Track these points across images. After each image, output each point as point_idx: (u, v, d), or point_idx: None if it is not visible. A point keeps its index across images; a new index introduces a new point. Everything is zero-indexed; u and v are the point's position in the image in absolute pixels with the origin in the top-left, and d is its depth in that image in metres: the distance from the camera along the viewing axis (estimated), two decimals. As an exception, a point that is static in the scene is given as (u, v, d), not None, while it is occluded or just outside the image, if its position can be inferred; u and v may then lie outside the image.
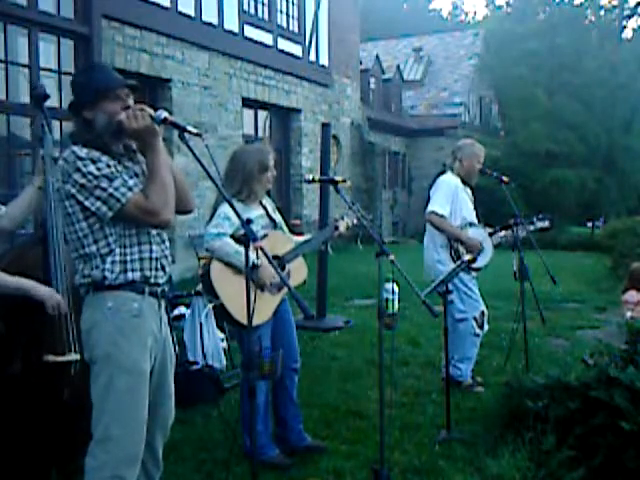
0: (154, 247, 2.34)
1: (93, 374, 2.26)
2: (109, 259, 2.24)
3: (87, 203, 2.19)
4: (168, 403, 2.46)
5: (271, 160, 3.47)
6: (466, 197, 4.64)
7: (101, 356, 2.23)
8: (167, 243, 2.44)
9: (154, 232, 2.35)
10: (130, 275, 2.26)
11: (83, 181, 2.17)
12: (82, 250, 2.26)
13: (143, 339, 2.28)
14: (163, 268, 2.38)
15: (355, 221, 3.64)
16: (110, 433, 2.20)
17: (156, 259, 2.34)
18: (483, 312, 4.59)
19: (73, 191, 2.19)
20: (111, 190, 2.18)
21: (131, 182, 2.24)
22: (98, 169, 2.18)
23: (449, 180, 4.62)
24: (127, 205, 2.19)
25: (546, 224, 4.82)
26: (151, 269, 2.31)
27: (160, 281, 2.35)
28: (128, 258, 2.26)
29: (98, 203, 2.18)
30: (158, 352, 2.37)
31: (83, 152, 2.20)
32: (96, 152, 2.22)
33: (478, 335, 4.59)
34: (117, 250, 2.25)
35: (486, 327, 4.66)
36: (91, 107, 2.27)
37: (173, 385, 2.48)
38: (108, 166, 2.21)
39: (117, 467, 2.20)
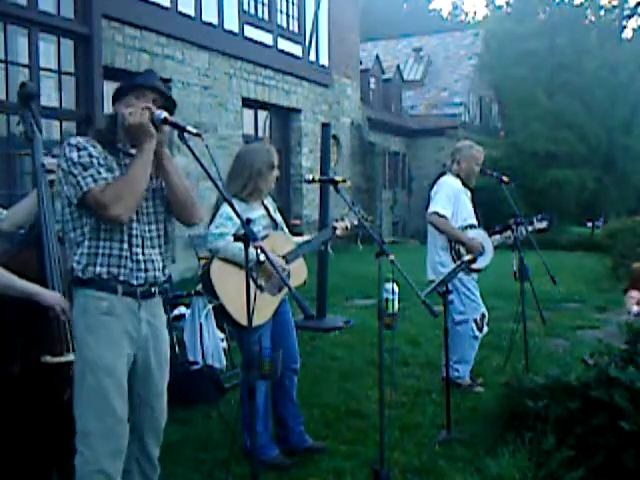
0: (127, 246, 2.31)
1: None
2: (79, 250, 2.29)
3: (65, 187, 2.27)
4: (158, 404, 2.45)
5: (276, 159, 3.49)
6: (466, 199, 4.64)
7: (76, 354, 2.31)
8: (163, 248, 2.43)
9: (147, 234, 2.34)
10: (97, 269, 2.28)
11: (64, 166, 2.26)
12: (66, 235, 2.36)
13: (113, 337, 2.28)
14: (146, 270, 2.35)
15: (355, 222, 3.63)
16: (88, 429, 2.25)
17: (134, 260, 2.32)
18: (484, 314, 4.59)
19: (60, 175, 2.29)
20: (79, 178, 2.23)
21: (105, 175, 2.26)
22: (79, 156, 2.25)
23: (451, 182, 4.62)
24: (86, 195, 2.23)
25: (544, 225, 4.82)
26: (120, 266, 2.30)
27: (134, 282, 2.32)
28: (99, 252, 2.29)
29: (70, 189, 2.26)
30: (138, 352, 2.36)
31: (76, 140, 2.28)
32: (92, 142, 2.29)
33: (477, 337, 4.59)
34: (86, 242, 2.29)
35: (485, 329, 4.65)
36: (120, 100, 2.37)
37: (164, 386, 2.47)
38: (91, 155, 2.25)
39: (100, 461, 2.24)
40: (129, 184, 2.25)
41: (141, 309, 2.36)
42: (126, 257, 2.31)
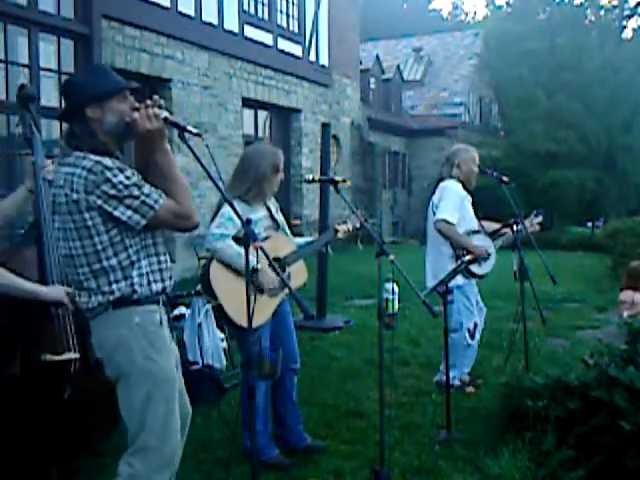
0: (167, 257, 2.37)
1: (125, 390, 2.24)
2: (135, 272, 2.21)
3: (116, 213, 2.13)
4: (184, 400, 2.49)
5: (282, 162, 3.48)
6: (469, 205, 4.63)
7: (136, 373, 2.20)
8: None
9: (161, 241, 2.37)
10: (154, 287, 2.26)
11: (113, 192, 2.11)
12: (98, 264, 2.18)
13: (169, 348, 2.32)
14: (170, 277, 2.39)
15: (358, 225, 3.62)
16: (148, 444, 2.21)
17: (169, 269, 2.36)
18: (476, 324, 4.59)
19: (99, 202, 2.11)
20: (143, 197, 2.14)
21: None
22: (127, 178, 2.13)
23: (456, 188, 4.55)
24: (159, 211, 2.16)
25: (540, 219, 4.83)
26: (165, 279, 2.32)
27: (168, 291, 2.37)
28: (149, 269, 2.26)
29: (129, 212, 2.13)
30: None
31: (106, 161, 2.14)
32: (109, 160, 2.16)
33: (470, 345, 4.59)
34: (143, 262, 2.24)
35: (477, 336, 4.66)
36: (97, 105, 2.20)
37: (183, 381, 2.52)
38: (133, 173, 2.17)
39: (152, 475, 2.22)
40: (186, 188, 2.25)
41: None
42: (169, 268, 2.34)
